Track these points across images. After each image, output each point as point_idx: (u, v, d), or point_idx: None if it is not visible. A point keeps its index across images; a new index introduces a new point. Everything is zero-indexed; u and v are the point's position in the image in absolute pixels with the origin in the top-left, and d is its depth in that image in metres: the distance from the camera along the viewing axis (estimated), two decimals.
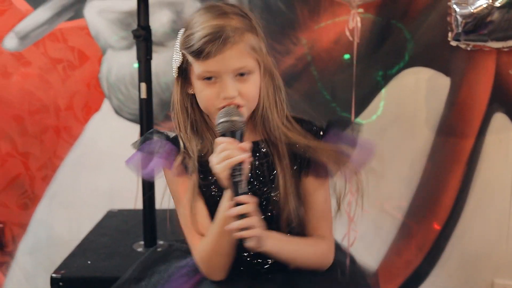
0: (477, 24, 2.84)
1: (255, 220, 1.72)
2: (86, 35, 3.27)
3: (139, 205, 2.75)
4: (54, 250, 3.34)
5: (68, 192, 3.40)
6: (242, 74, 1.82)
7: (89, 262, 2.57)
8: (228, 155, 1.72)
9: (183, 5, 3.14)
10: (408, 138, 3.15)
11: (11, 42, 3.30)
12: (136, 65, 2.65)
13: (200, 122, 1.93)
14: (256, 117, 1.90)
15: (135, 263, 2.12)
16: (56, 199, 3.41)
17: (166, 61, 3.16)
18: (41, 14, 3.26)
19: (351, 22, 3.01)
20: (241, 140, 1.77)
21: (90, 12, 3.25)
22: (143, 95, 2.61)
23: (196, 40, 1.80)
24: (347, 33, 3.05)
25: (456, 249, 3.20)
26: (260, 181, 1.92)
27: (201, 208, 1.92)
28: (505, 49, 2.93)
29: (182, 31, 1.91)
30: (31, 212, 3.43)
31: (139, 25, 2.60)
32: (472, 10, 2.83)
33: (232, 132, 1.77)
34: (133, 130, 2.88)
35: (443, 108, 3.12)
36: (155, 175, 1.94)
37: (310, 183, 1.94)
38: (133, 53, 2.65)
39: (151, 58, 2.62)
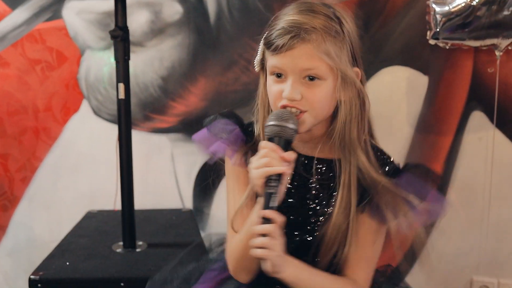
0: (455, 23, 2.85)
1: (275, 243, 1.63)
2: (65, 36, 3.26)
3: (119, 205, 2.75)
4: (34, 251, 3.33)
5: (47, 193, 3.38)
6: (312, 79, 1.72)
7: (67, 264, 2.56)
8: (267, 163, 1.63)
9: (161, 6, 3.14)
10: (386, 136, 3.12)
11: None
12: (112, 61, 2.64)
13: None
14: (335, 132, 1.80)
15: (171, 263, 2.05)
16: (35, 200, 3.39)
17: (144, 61, 3.17)
18: (19, 15, 3.24)
19: None
20: (286, 149, 1.67)
21: (68, 13, 3.23)
22: (121, 95, 2.61)
23: (272, 32, 1.74)
24: None
25: (435, 247, 3.21)
26: (317, 200, 1.84)
27: (251, 208, 1.81)
28: (483, 48, 2.94)
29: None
30: (11, 213, 3.41)
31: (116, 25, 2.59)
32: (450, 9, 2.83)
33: (279, 138, 1.67)
34: (112, 131, 2.88)
35: (421, 107, 3.13)
36: (217, 157, 1.89)
37: (364, 220, 1.82)
38: (111, 53, 2.64)
39: (129, 59, 2.61)
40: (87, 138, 3.31)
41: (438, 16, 2.87)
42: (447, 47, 2.98)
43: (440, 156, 3.14)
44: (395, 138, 3.15)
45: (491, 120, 3.08)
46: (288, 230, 1.78)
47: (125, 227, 2.70)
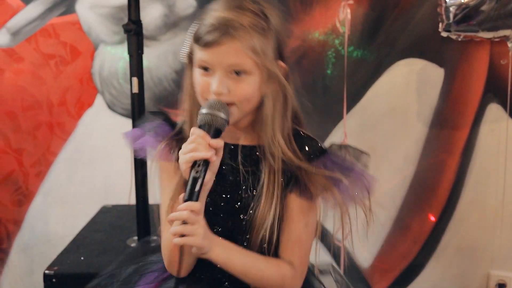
0: (467, 15, 2.83)
1: (195, 228, 1.66)
2: (78, 30, 3.26)
3: (133, 200, 2.74)
4: (49, 246, 3.34)
5: (62, 188, 3.39)
6: (238, 73, 1.76)
7: (82, 258, 2.56)
8: (193, 148, 1.67)
9: None
10: (402, 130, 3.14)
11: (3, 38, 3.29)
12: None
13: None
14: (257, 123, 1.84)
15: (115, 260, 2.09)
16: (50, 195, 3.40)
17: (158, 55, 3.17)
18: (33, 9, 3.25)
19: (341, 13, 3.01)
20: (215, 136, 1.71)
21: (81, 7, 3.23)
22: (135, 89, 2.60)
23: (201, 27, 1.77)
24: (338, 25, 3.05)
25: (452, 241, 3.20)
26: (244, 186, 1.86)
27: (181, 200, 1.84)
28: (496, 39, 2.92)
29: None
30: (26, 208, 3.42)
31: (129, 19, 2.58)
32: (462, 0, 2.82)
33: (209, 126, 1.71)
34: (127, 125, 2.88)
35: (437, 100, 3.11)
36: (145, 153, 1.91)
37: (293, 202, 1.84)
38: (125, 47, 2.63)
39: (142, 53, 2.60)
40: (101, 133, 3.31)
41: (449, 8, 2.86)
42: (460, 39, 2.96)
43: (456, 149, 3.13)
44: (411, 131, 3.14)
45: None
46: (221, 215, 1.86)
47: (139, 221, 2.70)
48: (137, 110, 2.62)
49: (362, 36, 3.10)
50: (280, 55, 1.84)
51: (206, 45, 1.75)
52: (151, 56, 3.11)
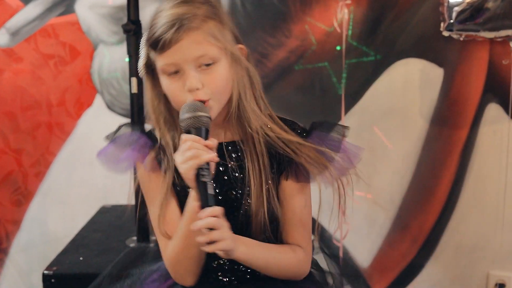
0: (470, 14, 2.83)
1: (223, 232, 1.63)
2: (77, 30, 3.26)
3: (133, 200, 2.73)
4: (48, 246, 3.33)
5: (61, 188, 3.38)
6: (207, 65, 1.72)
7: (81, 259, 2.56)
8: (194, 154, 1.63)
9: None
10: (401, 130, 3.14)
11: (2, 38, 3.29)
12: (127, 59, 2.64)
13: (176, 118, 1.81)
14: (232, 112, 1.81)
15: (113, 262, 2.07)
16: (49, 195, 3.40)
17: None
18: (32, 9, 3.25)
19: (339, 13, 3.01)
20: (206, 137, 1.68)
21: (81, 7, 3.23)
22: (134, 89, 2.60)
23: (154, 31, 1.72)
24: (335, 25, 3.04)
25: (451, 241, 3.19)
26: (234, 184, 1.83)
27: (173, 209, 1.84)
28: (498, 39, 2.92)
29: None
30: (25, 208, 3.42)
31: (129, 19, 2.58)
32: (464, 0, 2.82)
33: (197, 129, 1.67)
34: None
35: (436, 99, 3.11)
36: (126, 169, 1.87)
37: (289, 186, 1.83)
38: (124, 47, 2.63)
39: None
40: (101, 133, 3.26)
41: (452, 7, 2.86)
42: (461, 39, 2.96)
43: (456, 149, 3.12)
44: (410, 131, 3.13)
45: (507, 112, 3.06)
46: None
47: (139, 222, 2.70)
48: (136, 110, 2.62)
49: (361, 36, 3.09)
50: (237, 39, 1.82)
51: (166, 46, 1.70)
52: None
